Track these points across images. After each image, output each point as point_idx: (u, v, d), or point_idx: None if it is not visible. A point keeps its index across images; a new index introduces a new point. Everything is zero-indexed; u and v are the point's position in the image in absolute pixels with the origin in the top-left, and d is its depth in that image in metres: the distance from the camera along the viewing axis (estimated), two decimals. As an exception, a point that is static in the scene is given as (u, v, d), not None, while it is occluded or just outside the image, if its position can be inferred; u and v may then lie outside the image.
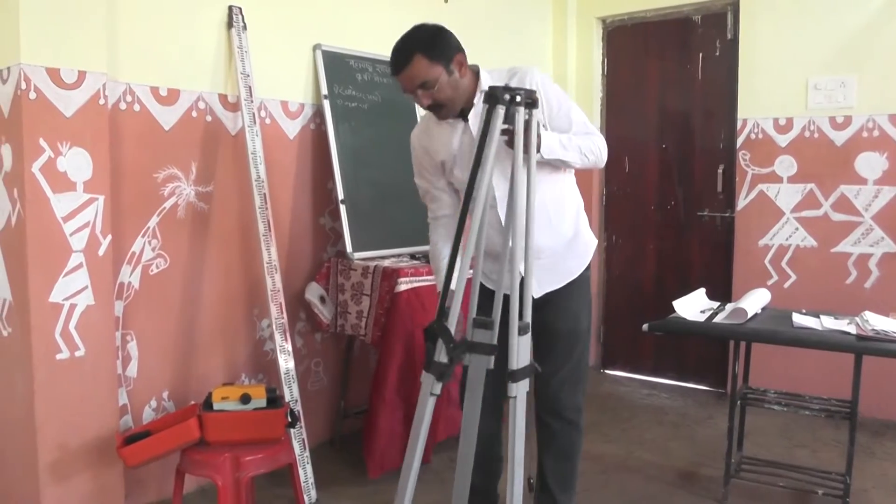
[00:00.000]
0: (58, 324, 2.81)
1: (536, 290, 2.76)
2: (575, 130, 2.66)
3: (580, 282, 2.85)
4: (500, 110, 2.20)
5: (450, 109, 2.62)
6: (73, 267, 2.84)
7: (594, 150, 2.66)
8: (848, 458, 3.22)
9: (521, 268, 2.72)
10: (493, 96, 2.20)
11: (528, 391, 2.76)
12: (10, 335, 2.89)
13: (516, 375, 2.31)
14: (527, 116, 2.24)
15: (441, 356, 2.34)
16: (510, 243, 2.53)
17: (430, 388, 2.38)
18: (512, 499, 2.39)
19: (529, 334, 2.34)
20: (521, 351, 2.31)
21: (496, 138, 2.21)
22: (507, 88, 2.21)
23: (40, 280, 2.76)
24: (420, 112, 4.25)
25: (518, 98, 2.20)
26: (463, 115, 2.68)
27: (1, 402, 3.03)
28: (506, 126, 2.24)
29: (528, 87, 2.55)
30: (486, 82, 2.63)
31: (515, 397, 2.32)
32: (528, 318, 2.35)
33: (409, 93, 2.59)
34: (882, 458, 3.99)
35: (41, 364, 2.78)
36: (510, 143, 2.31)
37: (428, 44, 2.53)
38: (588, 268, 2.88)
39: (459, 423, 3.74)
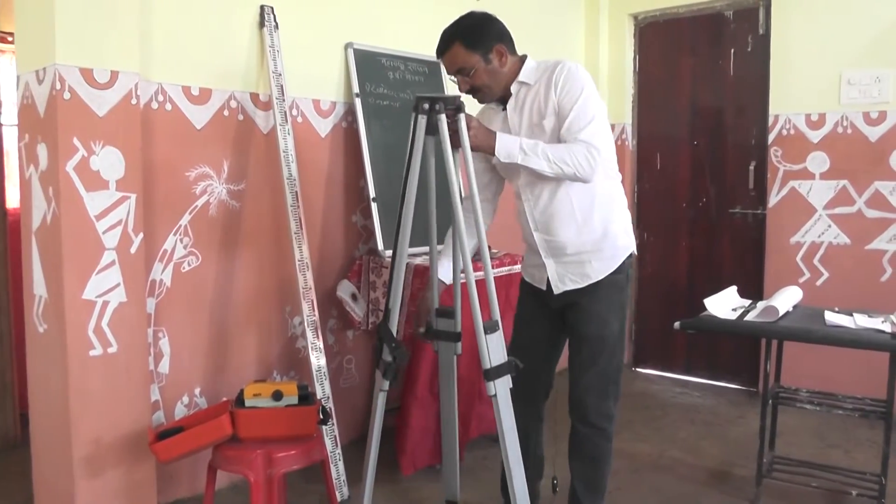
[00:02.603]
0: (91, 320, 2.85)
1: (558, 286, 2.78)
2: (566, 127, 2.60)
3: (609, 285, 2.77)
4: (423, 119, 2.42)
5: (486, 95, 2.74)
6: (105, 264, 2.87)
7: (570, 161, 2.54)
8: (883, 458, 3.17)
9: (549, 262, 2.79)
10: (415, 107, 2.43)
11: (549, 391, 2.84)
12: (46, 331, 2.93)
13: (490, 374, 2.37)
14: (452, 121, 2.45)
15: (386, 355, 2.51)
16: (534, 237, 2.78)
17: (379, 385, 2.57)
18: (514, 496, 2.43)
19: (500, 332, 2.42)
20: (493, 349, 2.37)
21: (421, 144, 2.42)
22: (428, 98, 2.42)
23: (74, 277, 2.79)
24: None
25: (438, 107, 2.40)
26: (504, 101, 2.76)
27: (36, 398, 3.07)
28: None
29: (555, 76, 2.64)
30: (527, 73, 2.72)
31: (496, 395, 2.38)
32: (497, 315, 2.44)
33: (450, 75, 2.73)
34: (918, 459, 3.93)
35: (75, 360, 2.82)
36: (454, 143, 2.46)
37: (468, 32, 2.65)
38: (619, 272, 2.79)
39: (492, 421, 3.80)
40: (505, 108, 2.76)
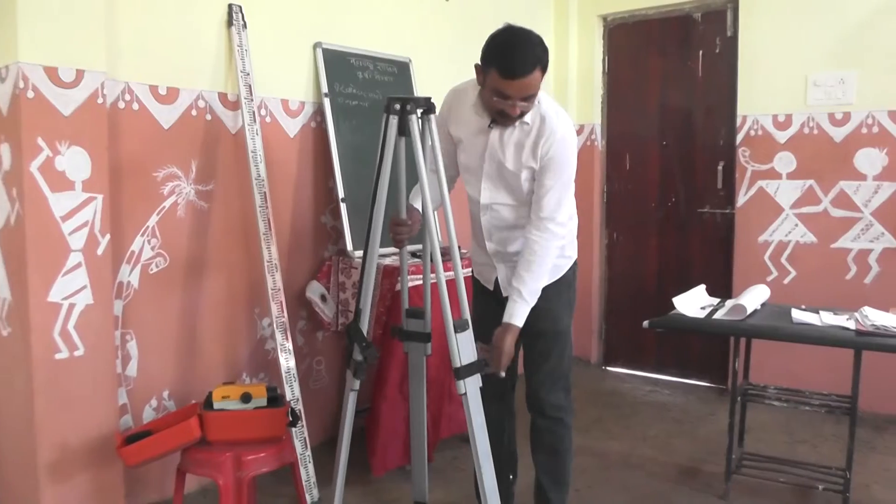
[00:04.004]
0: (57, 323, 2.81)
1: (507, 288, 2.83)
2: (544, 202, 2.65)
3: (558, 283, 2.84)
4: (394, 120, 2.44)
5: (517, 120, 2.62)
6: (72, 266, 2.83)
7: (547, 268, 2.68)
8: (848, 453, 3.22)
9: (500, 266, 2.84)
10: (386, 107, 2.45)
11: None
12: (10, 335, 2.89)
13: (461, 373, 2.39)
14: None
15: (357, 354, 2.53)
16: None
17: (350, 385, 2.60)
18: (485, 494, 2.45)
19: (470, 330, 2.45)
20: (463, 348, 2.40)
21: (392, 144, 2.44)
22: (399, 99, 2.44)
23: (39, 279, 2.76)
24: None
25: (409, 107, 2.43)
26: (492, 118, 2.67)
27: (0, 402, 3.02)
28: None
29: (545, 140, 2.62)
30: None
31: (466, 393, 2.41)
32: (467, 315, 2.47)
33: (506, 98, 2.51)
34: (883, 453, 3.99)
35: (40, 364, 2.78)
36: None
37: (546, 58, 2.53)
38: (569, 272, 2.89)
39: (462, 421, 3.80)
40: (491, 126, 2.67)
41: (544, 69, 2.51)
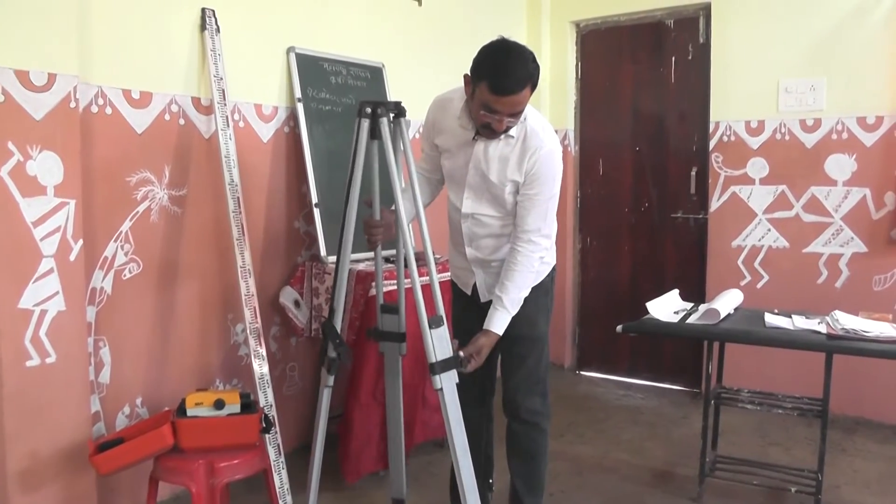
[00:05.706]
0: (28, 330, 2.77)
1: (485, 294, 2.87)
2: (527, 215, 2.68)
3: (536, 289, 2.85)
4: (366, 124, 2.46)
5: (502, 134, 2.62)
6: (43, 272, 2.80)
7: (530, 278, 2.72)
8: (820, 455, 3.26)
9: (478, 272, 2.85)
10: (358, 111, 2.47)
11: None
12: (-20, 342, 2.85)
13: (435, 368, 2.41)
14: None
15: (331, 351, 2.56)
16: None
17: (325, 382, 2.64)
18: (463, 490, 2.47)
19: (445, 326, 2.46)
20: (438, 344, 2.42)
21: (364, 148, 2.46)
22: (371, 102, 2.45)
23: (9, 286, 2.71)
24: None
25: (380, 111, 2.44)
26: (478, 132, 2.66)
27: (-30, 410, 2.98)
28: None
29: (529, 156, 2.64)
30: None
31: (442, 389, 2.42)
32: (441, 311, 2.48)
33: (493, 112, 2.51)
34: (853, 455, 4.04)
35: (11, 371, 2.73)
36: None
37: (537, 75, 2.52)
38: (547, 279, 2.91)
39: (435, 426, 3.81)
40: (475, 139, 2.67)
41: (534, 86, 2.51)
